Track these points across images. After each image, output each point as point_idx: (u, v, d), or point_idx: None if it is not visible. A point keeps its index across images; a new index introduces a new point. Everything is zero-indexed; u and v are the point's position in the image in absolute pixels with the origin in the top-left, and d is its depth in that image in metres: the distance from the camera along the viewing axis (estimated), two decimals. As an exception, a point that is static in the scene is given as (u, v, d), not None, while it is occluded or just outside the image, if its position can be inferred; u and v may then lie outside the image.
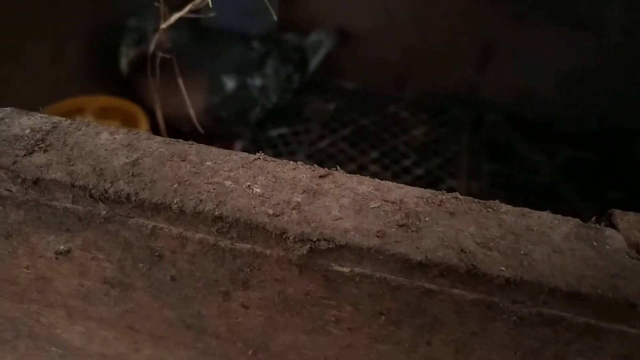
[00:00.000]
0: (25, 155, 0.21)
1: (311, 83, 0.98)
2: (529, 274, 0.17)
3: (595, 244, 0.18)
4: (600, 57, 0.94)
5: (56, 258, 0.23)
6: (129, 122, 0.62)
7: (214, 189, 0.20)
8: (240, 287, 0.20)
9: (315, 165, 0.21)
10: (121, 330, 0.25)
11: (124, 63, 0.68)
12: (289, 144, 0.93)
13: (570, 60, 0.96)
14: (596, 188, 0.87)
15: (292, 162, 0.21)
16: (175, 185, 0.20)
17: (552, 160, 0.93)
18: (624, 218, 0.20)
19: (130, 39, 0.61)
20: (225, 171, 0.20)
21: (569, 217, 0.20)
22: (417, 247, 0.18)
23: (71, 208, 0.21)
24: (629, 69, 0.92)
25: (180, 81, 0.38)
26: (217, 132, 0.81)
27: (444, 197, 0.20)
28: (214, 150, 0.21)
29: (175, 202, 0.19)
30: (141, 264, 0.21)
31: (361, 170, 0.89)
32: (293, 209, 0.19)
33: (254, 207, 0.19)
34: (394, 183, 0.20)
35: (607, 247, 0.18)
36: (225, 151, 0.21)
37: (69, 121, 0.22)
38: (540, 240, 0.18)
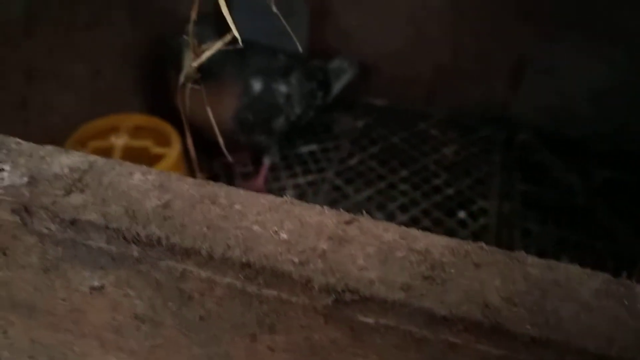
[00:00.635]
0: (64, 195, 0.22)
1: (340, 100, 0.99)
2: (555, 333, 0.17)
3: (626, 302, 0.18)
4: (636, 73, 0.92)
5: (90, 293, 0.24)
6: (161, 140, 0.63)
7: (242, 234, 0.20)
8: (267, 331, 0.21)
9: (341, 210, 0.21)
10: (150, 362, 0.25)
11: (183, 75, 0.68)
12: (319, 161, 0.94)
13: (606, 76, 0.94)
14: (635, 211, 0.84)
15: (318, 206, 0.21)
16: (205, 230, 0.20)
17: (588, 181, 0.91)
18: (657, 272, 0.19)
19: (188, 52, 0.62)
20: (253, 215, 0.21)
21: (599, 272, 0.19)
22: (442, 302, 0.18)
23: (105, 248, 0.21)
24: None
25: (204, 97, 0.38)
26: (244, 140, 0.81)
27: (469, 247, 0.20)
28: (242, 193, 0.22)
29: (204, 247, 0.19)
30: (171, 303, 0.22)
31: (390, 188, 0.88)
32: (319, 257, 0.19)
33: (280, 254, 0.19)
34: (420, 231, 0.20)
35: (639, 305, 0.18)
36: (254, 194, 0.22)
37: (104, 160, 0.23)
38: (568, 296, 0.18)
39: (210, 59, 0.60)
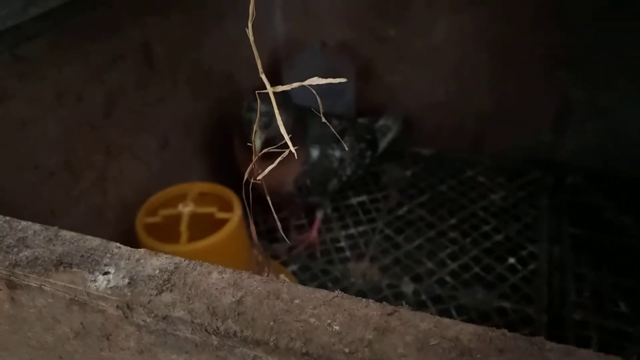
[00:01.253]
0: (156, 294, 0.27)
1: (389, 151, 1.03)
2: (568, 414, 0.20)
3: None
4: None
5: (177, 371, 0.29)
6: (224, 206, 0.69)
7: (301, 326, 0.24)
8: (324, 407, 0.25)
9: (384, 302, 0.25)
10: None
11: (258, 144, 0.73)
12: (369, 212, 0.98)
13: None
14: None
15: (364, 299, 0.25)
16: (271, 323, 0.25)
17: (641, 221, 0.90)
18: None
19: (262, 122, 0.68)
20: (310, 309, 0.25)
21: (613, 356, 0.22)
22: (470, 385, 0.21)
23: (190, 337, 0.26)
24: None
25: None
26: (301, 201, 0.87)
27: (493, 334, 0.23)
28: (301, 288, 0.26)
29: (271, 339, 0.24)
30: (244, 381, 0.26)
31: (440, 236, 0.91)
32: (365, 347, 0.23)
33: (334, 345, 0.23)
34: (452, 320, 0.24)
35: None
36: (310, 289, 0.26)
37: (186, 262, 0.28)
38: (582, 380, 0.21)
39: (275, 130, 0.66)
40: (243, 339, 0.25)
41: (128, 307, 0.27)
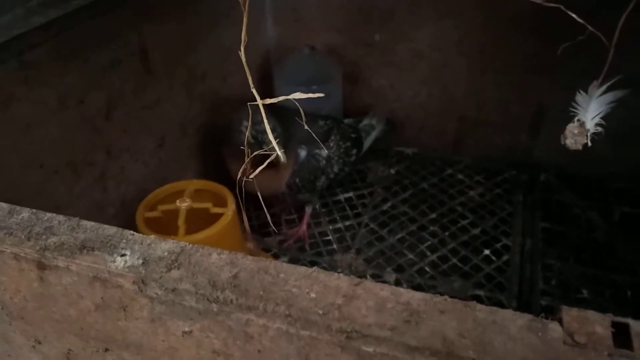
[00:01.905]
0: (166, 271, 0.32)
1: (374, 150, 1.09)
2: (489, 356, 0.26)
3: (540, 334, 0.27)
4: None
5: (182, 335, 0.34)
6: (219, 201, 0.75)
7: (285, 295, 0.30)
8: (303, 358, 0.31)
9: (352, 276, 0.31)
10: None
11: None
12: (355, 207, 1.04)
13: (622, 119, 1.00)
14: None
15: (336, 273, 0.31)
16: (261, 292, 0.30)
17: (608, 217, 0.96)
18: (568, 313, 0.28)
19: (257, 135, 0.73)
20: (292, 281, 0.31)
21: (525, 314, 0.28)
22: (415, 337, 0.27)
23: (194, 306, 0.32)
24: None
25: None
26: (291, 199, 0.93)
27: (437, 299, 0.29)
28: (285, 265, 0.32)
29: (261, 305, 0.30)
30: (238, 341, 0.32)
31: (421, 230, 0.97)
32: (336, 310, 0.29)
33: (310, 308, 0.29)
34: (405, 289, 0.30)
35: (549, 336, 0.27)
36: (293, 266, 0.32)
37: (190, 245, 0.34)
38: (501, 331, 0.27)
39: (263, 134, 0.71)
40: (238, 306, 0.30)
41: (143, 282, 0.33)
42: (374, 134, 1.04)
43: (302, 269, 0.32)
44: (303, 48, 1.07)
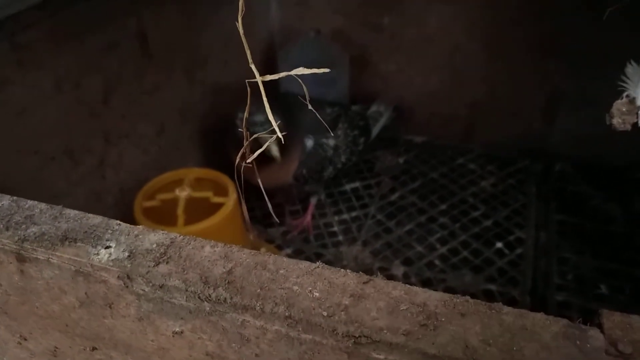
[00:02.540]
0: (154, 265, 0.29)
1: (382, 138, 1.05)
2: (518, 367, 0.23)
3: (578, 342, 0.24)
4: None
5: (172, 336, 0.31)
6: (220, 190, 0.71)
7: (285, 293, 0.27)
8: (306, 365, 0.27)
9: (361, 273, 0.28)
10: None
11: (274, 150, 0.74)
12: (361, 198, 1.00)
13: None
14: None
15: (342, 270, 0.28)
16: (258, 290, 0.27)
17: (627, 208, 0.92)
18: (609, 318, 0.25)
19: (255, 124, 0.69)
20: (294, 278, 0.28)
21: (560, 318, 0.25)
22: (433, 343, 0.24)
23: (185, 304, 0.29)
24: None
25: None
26: (297, 190, 0.89)
27: (457, 300, 0.26)
28: (285, 260, 0.29)
29: (258, 305, 0.26)
30: (234, 344, 0.29)
31: (431, 222, 0.93)
32: (342, 311, 0.26)
33: (314, 309, 0.26)
34: (421, 288, 0.27)
35: (588, 345, 0.23)
36: (294, 261, 0.29)
37: (181, 237, 0.31)
38: (532, 338, 0.24)
39: (255, 127, 0.68)
40: (232, 305, 0.27)
41: (128, 277, 0.29)
42: (382, 122, 1.00)
43: (305, 264, 0.28)
44: (308, 32, 1.03)
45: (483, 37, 1.01)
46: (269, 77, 0.35)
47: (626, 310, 0.25)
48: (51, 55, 0.65)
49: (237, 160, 0.40)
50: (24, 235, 0.32)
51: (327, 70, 0.32)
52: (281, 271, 0.28)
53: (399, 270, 0.84)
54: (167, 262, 0.29)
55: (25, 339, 0.39)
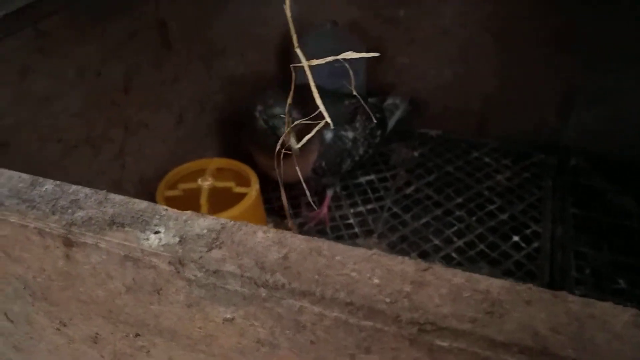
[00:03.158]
0: (207, 251, 0.29)
1: (397, 131, 1.05)
2: (592, 357, 0.23)
3: (649, 331, 0.23)
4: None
5: (222, 323, 0.31)
6: (242, 180, 0.71)
7: (344, 280, 0.27)
8: (364, 352, 0.27)
9: (419, 259, 0.27)
10: (266, 377, 0.32)
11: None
12: (377, 191, 1.00)
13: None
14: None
15: (400, 257, 0.28)
16: (316, 276, 0.27)
17: (642, 203, 0.92)
18: (678, 305, 0.24)
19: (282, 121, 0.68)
20: (351, 265, 0.27)
21: (628, 307, 0.25)
22: (500, 330, 0.24)
23: (239, 290, 0.28)
24: None
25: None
26: (315, 182, 0.89)
27: (520, 287, 0.26)
28: (341, 246, 0.28)
29: (317, 291, 0.26)
30: (288, 331, 0.29)
31: (447, 215, 0.93)
32: (404, 298, 0.25)
33: (374, 295, 0.26)
34: (482, 276, 0.26)
35: (659, 334, 0.23)
36: (349, 247, 0.28)
37: (232, 222, 0.31)
38: (603, 327, 0.24)
39: (274, 119, 0.67)
40: (290, 291, 0.27)
41: (180, 262, 0.29)
42: (398, 114, 1.00)
43: (361, 251, 0.28)
44: (325, 23, 1.03)
45: (497, 30, 1.01)
46: (315, 62, 0.34)
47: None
48: (73, 43, 0.65)
49: (277, 147, 0.39)
50: (71, 219, 0.32)
51: (376, 54, 0.32)
52: (337, 257, 0.28)
53: (416, 262, 0.84)
54: (220, 248, 0.29)
55: (65, 325, 0.39)
